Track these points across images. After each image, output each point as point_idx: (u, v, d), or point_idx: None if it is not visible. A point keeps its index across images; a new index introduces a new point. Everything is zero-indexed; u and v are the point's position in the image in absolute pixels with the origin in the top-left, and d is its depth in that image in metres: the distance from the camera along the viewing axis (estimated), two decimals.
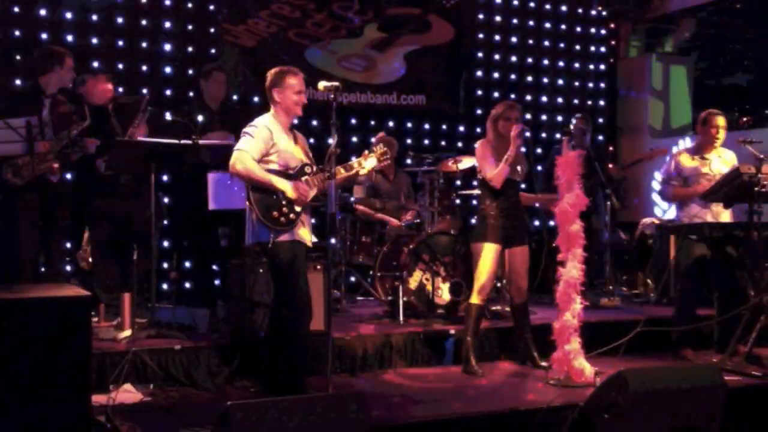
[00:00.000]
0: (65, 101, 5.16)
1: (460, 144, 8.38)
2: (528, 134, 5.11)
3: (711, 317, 5.59)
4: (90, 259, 5.67)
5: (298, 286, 4.32)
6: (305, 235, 4.40)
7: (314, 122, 7.57)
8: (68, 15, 6.85)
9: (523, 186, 5.40)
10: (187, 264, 7.07)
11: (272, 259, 4.37)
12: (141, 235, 5.35)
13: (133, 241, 5.44)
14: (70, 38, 6.84)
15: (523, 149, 5.20)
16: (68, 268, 6.22)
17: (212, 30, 7.41)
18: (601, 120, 9.31)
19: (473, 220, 6.43)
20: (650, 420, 3.90)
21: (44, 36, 6.73)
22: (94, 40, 6.94)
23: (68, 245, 6.30)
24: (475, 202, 6.70)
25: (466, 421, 4.11)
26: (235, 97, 7.18)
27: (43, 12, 6.77)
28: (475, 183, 6.18)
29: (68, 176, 5.97)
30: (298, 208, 4.32)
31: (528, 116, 8.98)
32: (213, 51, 7.39)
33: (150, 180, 5.04)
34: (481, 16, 8.77)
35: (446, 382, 4.99)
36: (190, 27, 7.33)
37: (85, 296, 3.70)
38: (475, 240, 5.15)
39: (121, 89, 6.92)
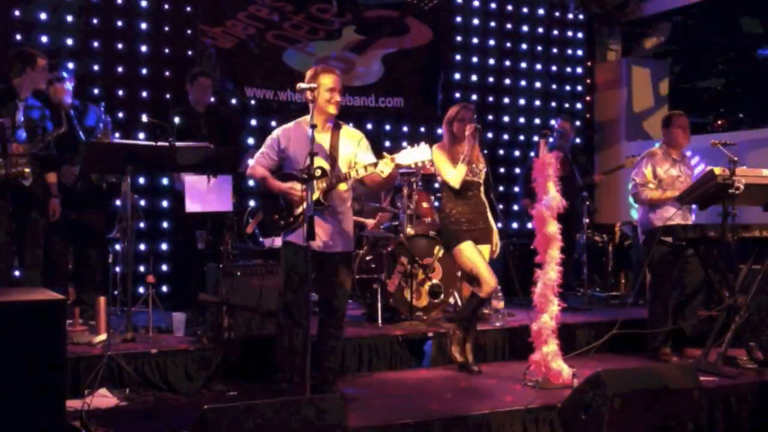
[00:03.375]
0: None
1: None
2: (481, 131, 5.12)
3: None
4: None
5: (286, 290, 4.38)
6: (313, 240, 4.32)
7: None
8: (42, 15, 6.77)
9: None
10: (164, 267, 7.03)
11: (280, 258, 4.53)
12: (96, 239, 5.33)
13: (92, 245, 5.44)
14: (44, 39, 6.76)
15: (485, 151, 5.23)
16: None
17: (189, 31, 7.35)
18: (578, 123, 9.37)
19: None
20: (627, 420, 3.93)
21: (18, 37, 6.64)
22: (69, 41, 6.86)
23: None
24: None
25: (445, 422, 4.11)
26: (212, 99, 7.12)
27: (17, 13, 6.68)
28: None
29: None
30: (296, 212, 4.35)
31: (506, 119, 9.04)
32: (190, 52, 7.34)
33: (126, 182, 5.00)
34: (459, 19, 8.79)
35: (425, 384, 4.99)
36: (166, 28, 7.27)
37: (59, 300, 3.66)
38: (449, 246, 5.17)
39: (96, 90, 6.89)
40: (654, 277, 5.66)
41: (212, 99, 6.56)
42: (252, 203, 7.10)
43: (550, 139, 6.75)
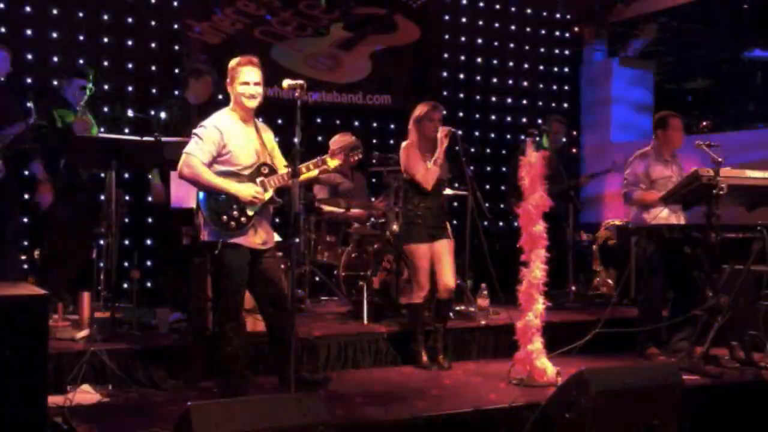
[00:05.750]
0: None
1: None
2: (460, 133, 5.17)
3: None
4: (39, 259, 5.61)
5: (229, 295, 4.25)
6: (255, 239, 4.27)
7: (279, 121, 7.52)
8: (27, 8, 6.71)
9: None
10: (149, 263, 6.99)
11: (218, 261, 4.25)
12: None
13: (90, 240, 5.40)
14: (29, 32, 6.71)
15: (456, 147, 5.28)
16: (25, 266, 6.10)
17: (176, 26, 7.31)
18: None
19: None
20: (610, 419, 3.94)
21: (2, 30, 6.59)
22: (54, 35, 6.81)
23: (25, 243, 6.20)
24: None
25: (429, 420, 4.11)
26: None
27: (1, 5, 6.63)
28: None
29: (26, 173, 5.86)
30: (250, 212, 4.22)
31: (493, 117, 9.07)
32: (176, 47, 7.31)
33: (111, 177, 4.97)
34: (447, 18, 8.80)
35: (409, 381, 4.99)
36: (153, 23, 7.23)
37: (41, 295, 3.64)
38: (406, 242, 5.24)
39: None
40: (644, 276, 5.68)
41: None
42: None
43: (537, 138, 6.79)
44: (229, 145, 4.21)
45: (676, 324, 5.53)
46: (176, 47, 7.31)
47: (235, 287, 4.26)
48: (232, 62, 4.30)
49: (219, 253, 4.20)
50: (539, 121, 8.64)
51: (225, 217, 4.19)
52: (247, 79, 4.22)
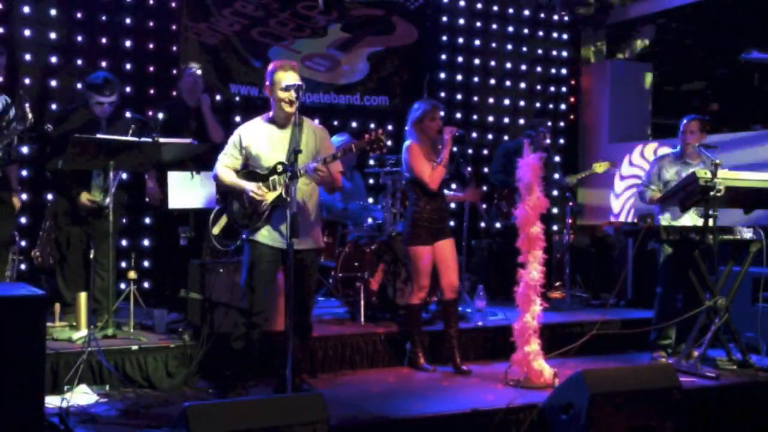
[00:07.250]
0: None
1: None
2: (457, 133, 5.20)
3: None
4: (41, 257, 5.57)
5: (250, 288, 4.35)
6: (278, 239, 4.34)
7: None
8: (26, 9, 6.71)
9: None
10: (146, 263, 6.99)
11: (242, 256, 4.48)
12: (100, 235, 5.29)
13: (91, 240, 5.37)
14: (27, 32, 6.70)
15: (454, 149, 5.30)
16: (23, 266, 6.10)
17: (174, 27, 7.32)
18: (562, 123, 9.43)
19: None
20: (607, 420, 3.95)
21: (1, 30, 6.58)
22: (53, 35, 6.80)
23: (23, 243, 6.19)
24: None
25: (426, 421, 4.12)
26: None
27: (0, 6, 6.62)
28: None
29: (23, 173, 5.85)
30: (261, 210, 4.32)
31: (490, 119, 9.07)
32: (174, 48, 7.30)
33: (109, 178, 4.97)
34: (444, 19, 8.81)
35: (406, 383, 5.00)
36: (150, 23, 7.23)
37: (39, 295, 3.63)
38: (409, 243, 5.20)
39: (79, 85, 6.83)
40: (659, 278, 5.68)
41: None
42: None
43: (533, 135, 6.83)
44: (249, 147, 4.40)
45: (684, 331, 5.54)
46: (174, 48, 7.30)
47: (251, 283, 4.36)
48: (271, 66, 4.41)
49: (242, 248, 4.46)
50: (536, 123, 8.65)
51: (242, 214, 4.41)
52: (286, 83, 4.30)
